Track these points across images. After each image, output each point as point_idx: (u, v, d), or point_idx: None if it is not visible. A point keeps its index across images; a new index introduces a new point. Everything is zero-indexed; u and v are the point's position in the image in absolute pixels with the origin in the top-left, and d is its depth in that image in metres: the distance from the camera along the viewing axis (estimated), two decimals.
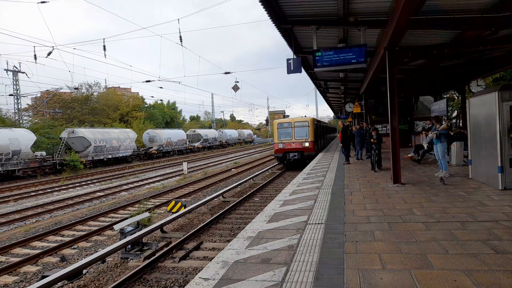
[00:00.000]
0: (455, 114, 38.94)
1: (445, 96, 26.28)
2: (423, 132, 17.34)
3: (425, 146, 15.76)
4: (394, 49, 9.82)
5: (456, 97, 37.44)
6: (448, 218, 6.30)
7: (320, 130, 28.91)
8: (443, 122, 11.42)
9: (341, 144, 17.35)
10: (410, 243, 5.11)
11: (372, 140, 13.46)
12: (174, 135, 51.10)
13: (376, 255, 4.75)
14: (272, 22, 10.11)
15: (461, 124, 25.38)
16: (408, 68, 16.32)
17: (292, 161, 23.59)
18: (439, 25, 9.84)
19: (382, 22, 9.81)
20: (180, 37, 18.03)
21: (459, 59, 14.39)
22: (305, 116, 25.35)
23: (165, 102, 75.07)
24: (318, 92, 36.31)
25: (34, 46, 25.81)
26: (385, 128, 23.35)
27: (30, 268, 8.49)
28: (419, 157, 15.40)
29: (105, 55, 20.04)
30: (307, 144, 23.01)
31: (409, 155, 16.30)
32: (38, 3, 18.74)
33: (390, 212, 6.98)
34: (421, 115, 24.83)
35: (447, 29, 10.65)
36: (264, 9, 9.19)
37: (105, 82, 68.09)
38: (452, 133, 13.45)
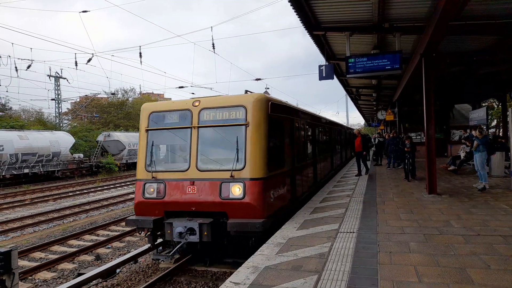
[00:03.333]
0: (494, 123, 37.26)
1: (484, 104, 25.19)
2: (462, 139, 16.70)
3: (462, 156, 15.16)
4: (431, 56, 9.54)
5: (495, 106, 35.81)
6: (489, 232, 6.00)
7: (314, 136, 12.38)
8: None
9: (364, 153, 15.11)
10: (448, 256, 4.91)
11: (406, 148, 13.08)
12: None
13: (412, 267, 4.59)
14: (304, 28, 10.10)
15: (501, 134, 24.21)
16: (445, 75, 15.79)
17: (187, 246, 7.84)
18: (480, 31, 9.49)
19: (418, 28, 9.56)
20: (213, 44, 18.30)
21: (500, 65, 13.77)
22: (248, 93, 8.19)
23: None
24: (349, 99, 35.80)
25: (75, 53, 27.27)
26: (419, 137, 22.65)
27: (67, 266, 8.84)
28: (455, 167, 14.81)
29: (141, 61, 20.73)
30: (237, 190, 6.90)
31: (445, 164, 15.73)
32: (79, 12, 19.74)
33: (426, 223, 6.74)
34: (458, 123, 23.94)
35: (488, 34, 10.24)
36: (297, 16, 9.20)
37: (140, 88, 70.43)
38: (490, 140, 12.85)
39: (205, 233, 6.80)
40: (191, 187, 7.15)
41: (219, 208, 7.00)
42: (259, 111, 7.21)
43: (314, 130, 12.47)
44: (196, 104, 7.61)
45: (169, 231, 7.10)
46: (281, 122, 8.35)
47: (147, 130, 7.89)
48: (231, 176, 6.91)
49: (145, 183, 7.61)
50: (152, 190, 7.50)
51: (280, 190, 7.87)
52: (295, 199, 9.13)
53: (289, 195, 8.57)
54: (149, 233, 7.59)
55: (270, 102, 7.50)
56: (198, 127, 7.43)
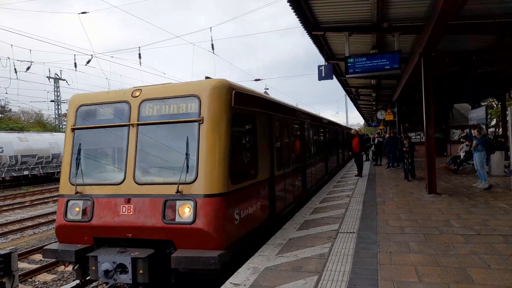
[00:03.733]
0: (493, 122, 37.31)
1: (483, 103, 25.24)
2: (461, 139, 16.74)
3: (462, 155, 15.18)
4: (430, 55, 9.55)
5: (495, 105, 35.86)
6: (489, 231, 6.00)
7: (303, 137, 10.83)
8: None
9: (363, 153, 15.60)
10: (448, 256, 4.91)
11: (404, 148, 13.08)
12: None
13: (412, 267, 4.59)
14: (303, 28, 10.10)
15: (500, 133, 24.25)
16: (444, 74, 15.79)
17: None
18: (479, 30, 9.50)
19: (417, 28, 9.57)
20: (212, 45, 18.25)
21: (499, 65, 13.77)
22: (210, 78, 5.87)
23: None
24: (348, 99, 35.78)
25: (75, 55, 27.24)
26: (419, 136, 22.67)
27: (67, 267, 8.82)
28: (455, 167, 14.82)
29: (140, 62, 20.66)
30: (186, 211, 5.05)
31: (445, 164, 15.74)
32: (78, 13, 19.69)
33: (426, 223, 6.74)
34: (457, 123, 23.97)
35: (487, 34, 10.25)
36: (296, 16, 9.20)
37: None
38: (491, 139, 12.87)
39: (141, 271, 4.92)
40: (126, 206, 5.30)
41: (163, 236, 5.13)
42: (217, 102, 5.32)
43: (304, 130, 10.82)
44: (136, 94, 5.74)
45: (93, 268, 5.15)
46: (252, 118, 6.49)
47: (73, 129, 6.14)
48: (178, 191, 5.04)
49: (68, 200, 5.72)
50: (77, 209, 5.61)
51: (250, 207, 5.99)
52: (274, 216, 7.26)
53: (265, 212, 6.74)
54: (76, 266, 5.62)
55: (234, 91, 5.56)
56: (138, 124, 5.59)
